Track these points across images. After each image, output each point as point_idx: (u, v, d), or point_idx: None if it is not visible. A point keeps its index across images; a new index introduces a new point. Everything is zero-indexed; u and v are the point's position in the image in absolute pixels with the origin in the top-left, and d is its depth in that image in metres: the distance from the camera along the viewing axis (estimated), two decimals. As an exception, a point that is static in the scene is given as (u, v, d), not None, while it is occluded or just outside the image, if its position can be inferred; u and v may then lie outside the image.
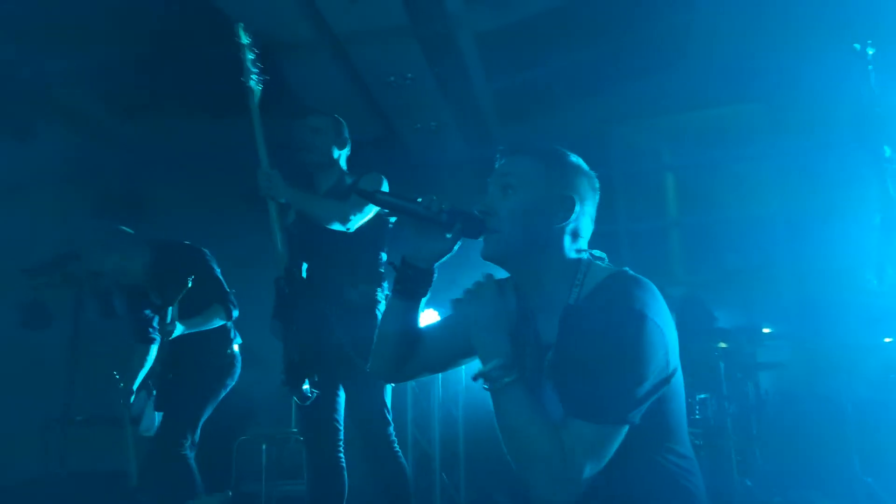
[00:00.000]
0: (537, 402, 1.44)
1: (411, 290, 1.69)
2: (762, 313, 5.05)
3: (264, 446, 4.85)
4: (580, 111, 5.70)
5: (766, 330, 4.90)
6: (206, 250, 3.69)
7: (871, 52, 2.86)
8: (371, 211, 3.11)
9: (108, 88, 5.45)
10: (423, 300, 1.72)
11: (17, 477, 4.48)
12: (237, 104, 5.47)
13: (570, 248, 1.59)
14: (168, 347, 3.45)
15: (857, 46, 2.87)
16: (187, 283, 3.36)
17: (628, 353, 1.38)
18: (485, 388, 1.48)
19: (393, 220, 3.27)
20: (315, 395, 2.91)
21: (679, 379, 1.50)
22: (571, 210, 1.58)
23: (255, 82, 3.15)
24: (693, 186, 6.03)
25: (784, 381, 4.87)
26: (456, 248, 1.65)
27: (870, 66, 2.86)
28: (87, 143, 6.04)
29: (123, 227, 3.74)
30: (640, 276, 1.51)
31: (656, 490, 1.46)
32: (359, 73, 5.28)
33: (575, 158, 1.65)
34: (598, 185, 1.66)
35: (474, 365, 1.78)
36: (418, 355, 1.77)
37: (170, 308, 3.36)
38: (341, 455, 3.11)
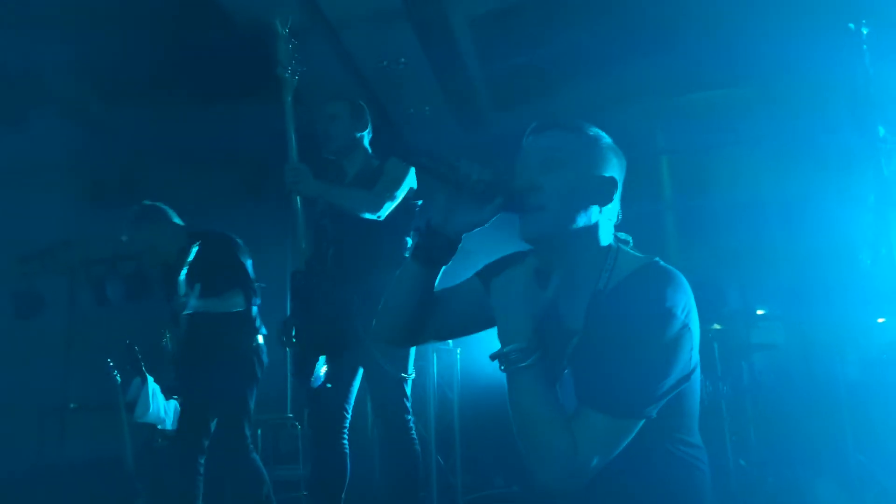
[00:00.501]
0: (552, 389, 1.41)
1: (435, 257, 1.57)
2: (756, 295, 5.06)
3: (260, 432, 4.86)
4: (574, 95, 5.68)
5: (759, 312, 4.93)
6: (239, 240, 3.72)
7: (865, 31, 2.85)
8: (401, 196, 3.08)
9: (101, 76, 5.42)
10: (443, 269, 1.63)
11: (15, 466, 4.48)
12: (230, 90, 5.49)
13: (606, 233, 1.54)
14: (186, 327, 3.49)
15: (852, 26, 2.86)
16: (192, 251, 3.40)
17: (654, 351, 1.36)
18: (501, 370, 1.44)
19: (420, 203, 3.24)
20: (323, 383, 2.91)
21: (698, 374, 1.48)
22: (613, 192, 1.54)
23: (290, 74, 3.09)
24: (688, 169, 6.03)
25: (778, 362, 4.90)
26: (490, 222, 1.54)
27: (864, 46, 2.85)
28: (80, 131, 6.00)
29: (164, 207, 3.79)
30: (672, 269, 1.46)
31: (663, 477, 1.44)
32: (352, 57, 5.25)
33: (609, 139, 1.59)
34: (625, 166, 1.61)
35: (471, 346, 1.77)
36: (428, 322, 1.68)
37: (181, 282, 3.37)
38: (345, 442, 3.12)
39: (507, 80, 5.74)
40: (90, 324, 5.35)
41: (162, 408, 3.95)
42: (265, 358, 3.69)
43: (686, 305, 1.40)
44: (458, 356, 5.39)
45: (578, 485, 1.35)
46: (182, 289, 3.38)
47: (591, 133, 1.56)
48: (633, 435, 1.37)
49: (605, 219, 1.54)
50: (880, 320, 4.31)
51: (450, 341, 5.26)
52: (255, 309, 3.66)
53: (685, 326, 1.38)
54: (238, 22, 4.71)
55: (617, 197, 1.56)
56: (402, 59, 5.24)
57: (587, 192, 1.51)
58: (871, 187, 2.93)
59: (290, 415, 4.97)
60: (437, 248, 1.56)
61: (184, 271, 3.39)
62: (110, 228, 6.01)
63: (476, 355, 5.41)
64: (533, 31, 5.10)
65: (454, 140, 6.45)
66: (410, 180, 3.15)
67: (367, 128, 3.34)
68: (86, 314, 5.42)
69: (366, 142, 3.35)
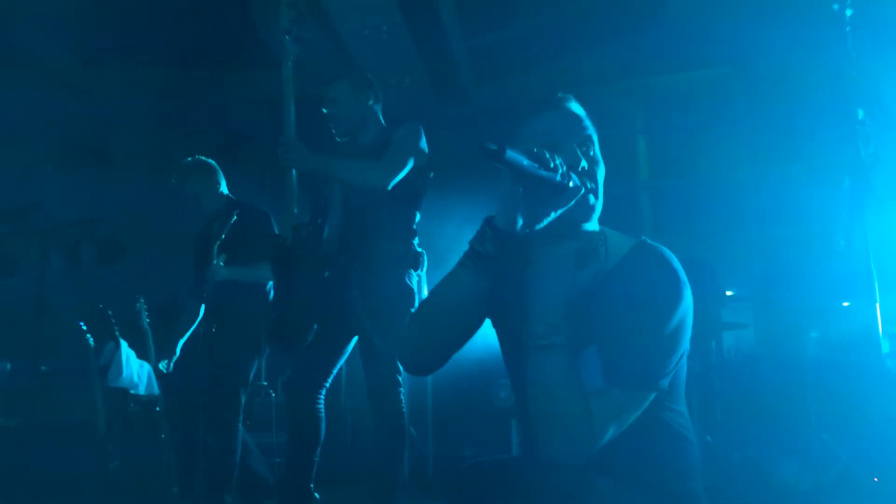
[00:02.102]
0: (572, 365, 1.39)
1: (497, 263, 1.41)
2: (729, 276, 5.13)
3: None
4: (555, 71, 5.68)
5: (729, 293, 4.99)
6: (271, 215, 3.83)
7: (849, 13, 2.86)
8: (410, 164, 2.96)
9: (75, 36, 5.32)
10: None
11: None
12: (205, 55, 5.41)
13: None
14: (212, 294, 3.56)
15: (836, 7, 2.86)
16: (230, 220, 3.48)
17: (670, 325, 1.38)
18: (526, 344, 1.41)
19: (432, 175, 3.13)
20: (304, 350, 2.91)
21: None
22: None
23: (290, 41, 2.97)
24: (665, 150, 6.06)
25: (746, 342, 4.98)
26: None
27: (847, 28, 2.86)
28: (53, 92, 5.90)
29: (217, 167, 3.95)
30: (662, 246, 1.48)
31: (659, 445, 1.47)
32: (333, 25, 5.19)
33: None
34: None
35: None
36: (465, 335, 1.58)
37: (215, 249, 3.46)
38: (320, 407, 3.11)
39: (489, 54, 5.72)
40: (63, 287, 5.29)
41: (135, 373, 3.93)
42: None
43: (687, 279, 1.44)
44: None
45: (588, 457, 1.35)
46: (215, 256, 3.50)
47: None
48: (644, 407, 1.39)
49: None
50: (845, 304, 4.40)
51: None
52: (270, 283, 3.73)
53: (692, 297, 1.43)
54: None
55: None
56: (384, 29, 5.19)
57: (603, 175, 1.52)
58: (847, 169, 2.97)
59: (265, 382, 4.96)
60: (504, 253, 1.39)
61: (220, 238, 3.49)
62: (83, 191, 5.96)
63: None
64: (516, 4, 5.08)
65: (433, 114, 6.42)
66: (420, 146, 3.04)
67: (374, 99, 3.17)
68: (58, 277, 5.35)
69: (379, 113, 3.20)
